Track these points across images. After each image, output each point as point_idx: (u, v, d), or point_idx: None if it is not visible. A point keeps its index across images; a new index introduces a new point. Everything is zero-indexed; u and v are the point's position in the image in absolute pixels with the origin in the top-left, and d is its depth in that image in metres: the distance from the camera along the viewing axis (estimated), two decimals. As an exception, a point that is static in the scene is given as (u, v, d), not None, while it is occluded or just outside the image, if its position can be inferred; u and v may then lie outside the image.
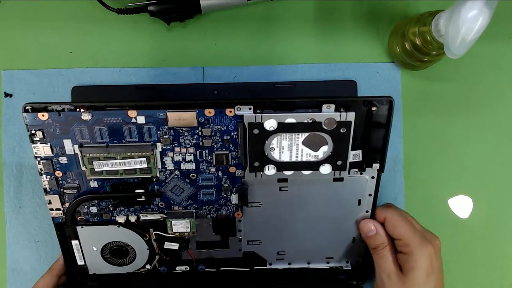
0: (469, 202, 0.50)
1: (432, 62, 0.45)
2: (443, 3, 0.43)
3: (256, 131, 0.40)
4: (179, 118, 0.39)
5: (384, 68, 0.48)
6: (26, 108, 0.39)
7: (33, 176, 0.48)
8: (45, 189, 0.42)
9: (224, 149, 0.41)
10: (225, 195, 0.43)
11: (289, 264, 0.48)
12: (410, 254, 0.41)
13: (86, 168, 0.41)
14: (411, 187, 0.49)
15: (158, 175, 0.42)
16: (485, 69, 0.49)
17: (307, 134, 0.40)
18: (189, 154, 0.41)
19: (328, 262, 0.48)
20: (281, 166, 0.41)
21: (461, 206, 0.50)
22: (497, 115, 0.49)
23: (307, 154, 0.41)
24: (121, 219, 0.44)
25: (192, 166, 0.42)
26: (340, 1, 0.47)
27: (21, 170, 0.48)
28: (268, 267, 0.48)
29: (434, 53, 0.42)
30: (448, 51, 0.37)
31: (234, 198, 0.44)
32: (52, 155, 0.41)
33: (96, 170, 0.41)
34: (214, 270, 0.48)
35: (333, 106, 0.39)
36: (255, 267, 0.48)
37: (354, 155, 0.42)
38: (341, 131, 0.40)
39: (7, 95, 0.47)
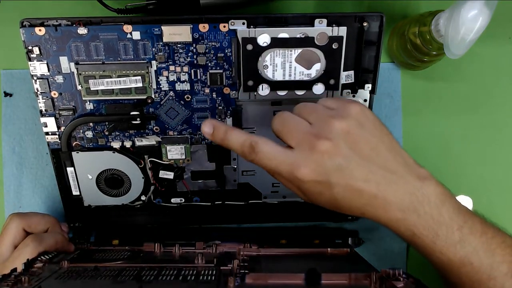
0: (469, 202, 0.50)
1: (432, 62, 0.45)
2: (443, 3, 0.43)
3: (249, 47, 0.40)
4: (173, 32, 0.40)
5: (384, 68, 0.47)
6: (24, 23, 0.40)
7: (33, 175, 0.49)
8: (41, 111, 0.43)
9: (218, 68, 0.42)
10: (219, 119, 0.44)
11: (284, 197, 0.48)
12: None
13: (82, 87, 0.42)
14: None
15: (153, 96, 0.42)
16: (485, 69, 0.49)
17: (300, 50, 0.41)
18: (184, 74, 0.42)
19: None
20: (275, 85, 0.42)
21: (461, 206, 0.50)
22: (497, 115, 0.49)
23: (300, 73, 0.42)
24: (116, 144, 0.44)
25: (186, 86, 0.42)
26: (340, 1, 0.47)
27: (21, 170, 0.48)
28: (263, 200, 0.48)
29: (434, 53, 0.42)
30: (448, 51, 0.37)
31: (229, 123, 0.44)
32: (48, 73, 0.41)
33: (92, 89, 0.42)
34: (209, 204, 0.48)
35: (325, 21, 0.40)
36: (250, 201, 0.48)
37: (347, 76, 0.43)
38: (333, 46, 0.40)
39: (7, 94, 0.47)
